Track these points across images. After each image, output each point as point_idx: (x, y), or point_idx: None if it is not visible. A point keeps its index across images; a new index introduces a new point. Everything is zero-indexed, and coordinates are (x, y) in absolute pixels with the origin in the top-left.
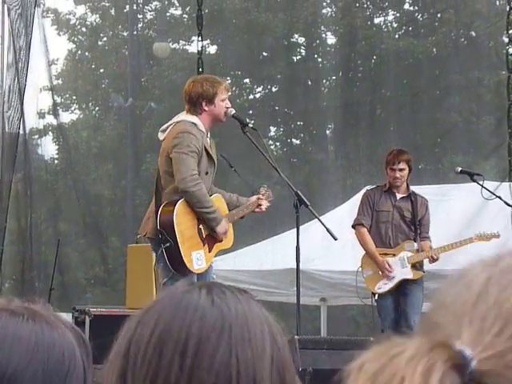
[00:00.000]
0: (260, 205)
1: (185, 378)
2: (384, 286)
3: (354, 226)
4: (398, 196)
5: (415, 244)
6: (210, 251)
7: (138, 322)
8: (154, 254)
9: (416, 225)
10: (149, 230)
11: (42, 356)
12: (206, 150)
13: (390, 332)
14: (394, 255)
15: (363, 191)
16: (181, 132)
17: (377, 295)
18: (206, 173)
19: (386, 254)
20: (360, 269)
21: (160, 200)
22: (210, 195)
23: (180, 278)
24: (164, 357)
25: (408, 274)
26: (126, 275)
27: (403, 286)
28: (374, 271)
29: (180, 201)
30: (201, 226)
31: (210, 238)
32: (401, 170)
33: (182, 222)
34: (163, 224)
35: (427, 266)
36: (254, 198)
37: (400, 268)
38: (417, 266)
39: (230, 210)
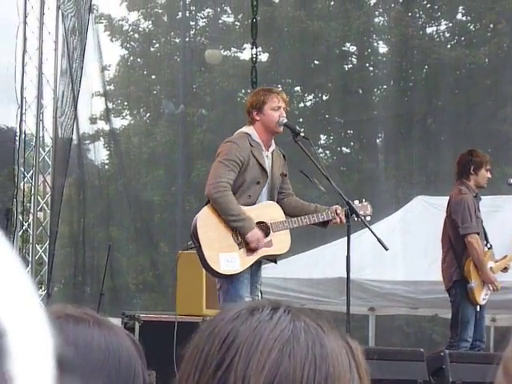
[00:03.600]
0: (338, 214)
1: None
2: (486, 297)
3: (469, 234)
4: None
5: (493, 253)
6: (249, 255)
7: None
8: None
9: (485, 232)
10: None
11: (113, 359)
12: (257, 160)
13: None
14: None
15: (415, 201)
16: (225, 142)
17: (478, 306)
18: (258, 182)
19: None
20: (469, 279)
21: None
22: (252, 203)
23: (228, 285)
24: (186, 371)
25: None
26: (177, 282)
27: None
28: (478, 282)
29: (208, 204)
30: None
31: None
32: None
33: (209, 224)
34: (192, 228)
35: None
36: (334, 207)
37: None
38: None
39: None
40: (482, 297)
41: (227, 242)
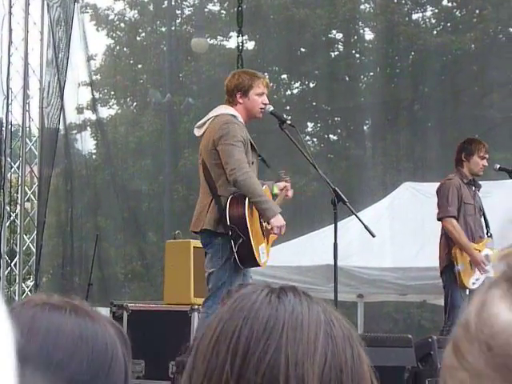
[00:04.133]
0: (288, 190)
1: (234, 377)
2: (477, 282)
3: (443, 218)
4: (473, 189)
5: (493, 241)
6: (268, 243)
7: (207, 325)
8: (205, 245)
9: (486, 220)
10: (205, 221)
11: (86, 347)
12: (249, 139)
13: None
14: (480, 251)
15: (402, 187)
16: (225, 123)
17: (468, 290)
18: (252, 162)
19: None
20: (455, 263)
21: (216, 194)
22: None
23: (226, 270)
24: (219, 356)
25: (491, 271)
26: (164, 271)
27: None
28: (466, 265)
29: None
30: (262, 220)
31: (267, 230)
32: (487, 159)
33: (250, 217)
34: (233, 219)
35: None
36: (283, 184)
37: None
38: None
39: None
40: (472, 281)
41: (260, 234)
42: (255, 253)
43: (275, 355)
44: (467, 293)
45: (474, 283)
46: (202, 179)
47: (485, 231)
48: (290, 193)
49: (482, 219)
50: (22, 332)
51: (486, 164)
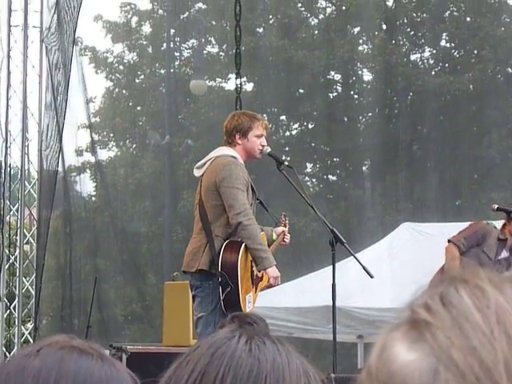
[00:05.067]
0: (285, 235)
1: None
2: None
3: (450, 241)
4: (504, 254)
5: None
6: (256, 291)
7: (177, 366)
8: (195, 288)
9: None
10: (201, 261)
11: None
12: (250, 182)
13: None
14: None
15: (401, 227)
16: (228, 164)
17: None
18: (251, 204)
19: None
20: None
21: (211, 234)
22: None
23: (216, 315)
24: None
25: None
26: (163, 313)
27: None
28: None
29: (243, 244)
30: (254, 268)
31: (257, 278)
32: None
33: (242, 266)
34: (225, 266)
35: None
36: (280, 229)
37: None
38: None
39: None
40: None
41: (249, 282)
42: (241, 302)
43: None
44: None
45: None
46: (197, 219)
47: None
48: (288, 239)
49: None
50: (49, 374)
51: None
